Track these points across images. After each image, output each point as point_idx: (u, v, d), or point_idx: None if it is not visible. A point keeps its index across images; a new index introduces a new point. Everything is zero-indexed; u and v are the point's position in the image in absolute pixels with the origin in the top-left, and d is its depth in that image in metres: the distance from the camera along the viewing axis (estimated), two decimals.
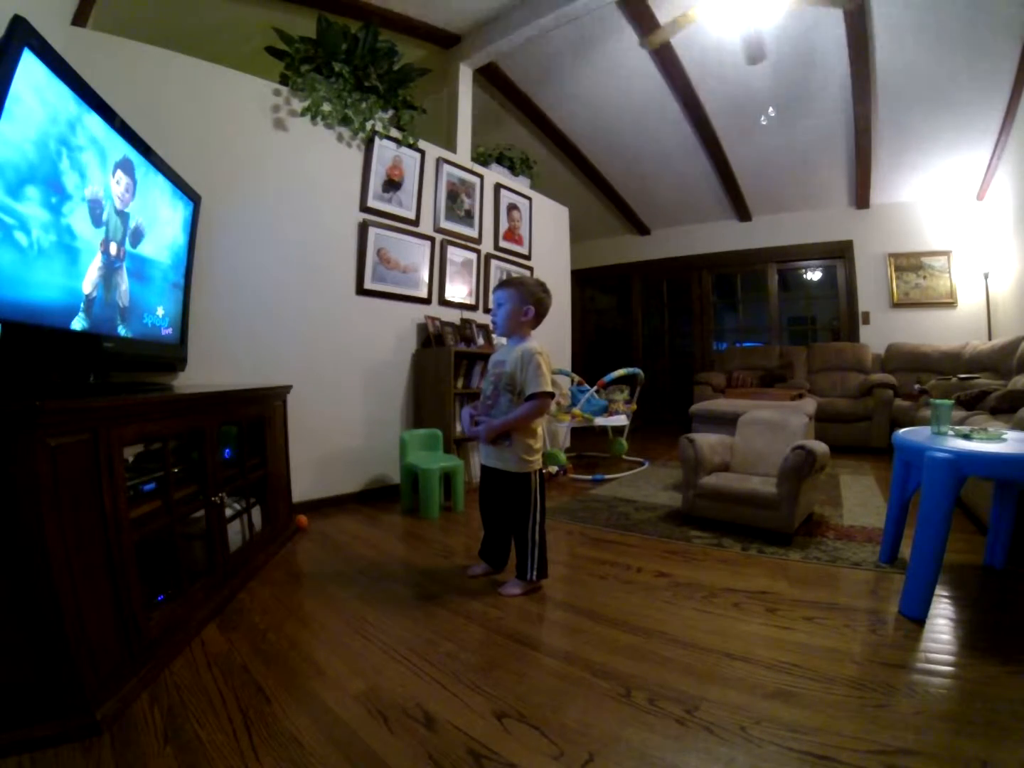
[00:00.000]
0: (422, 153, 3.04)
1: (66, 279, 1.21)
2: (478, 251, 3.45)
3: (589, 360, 6.55)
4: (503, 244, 3.66)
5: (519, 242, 3.81)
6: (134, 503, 1.17)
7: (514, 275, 3.15)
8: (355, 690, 1.08)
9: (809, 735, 0.91)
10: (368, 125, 2.71)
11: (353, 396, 2.73)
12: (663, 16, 3.21)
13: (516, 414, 1.52)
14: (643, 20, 3.23)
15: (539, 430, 1.60)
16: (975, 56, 3.15)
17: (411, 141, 2.92)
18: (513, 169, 3.80)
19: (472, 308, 3.38)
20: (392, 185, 2.89)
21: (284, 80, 2.48)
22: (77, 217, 1.24)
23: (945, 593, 1.48)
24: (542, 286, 1.63)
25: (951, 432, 1.51)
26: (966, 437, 1.43)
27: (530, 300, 1.58)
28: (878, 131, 3.96)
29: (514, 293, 1.58)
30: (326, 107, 2.55)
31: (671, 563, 1.78)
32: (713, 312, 6.02)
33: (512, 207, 3.75)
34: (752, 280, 5.77)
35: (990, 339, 3.99)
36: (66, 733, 0.91)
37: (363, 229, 2.74)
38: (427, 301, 3.09)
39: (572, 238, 4.51)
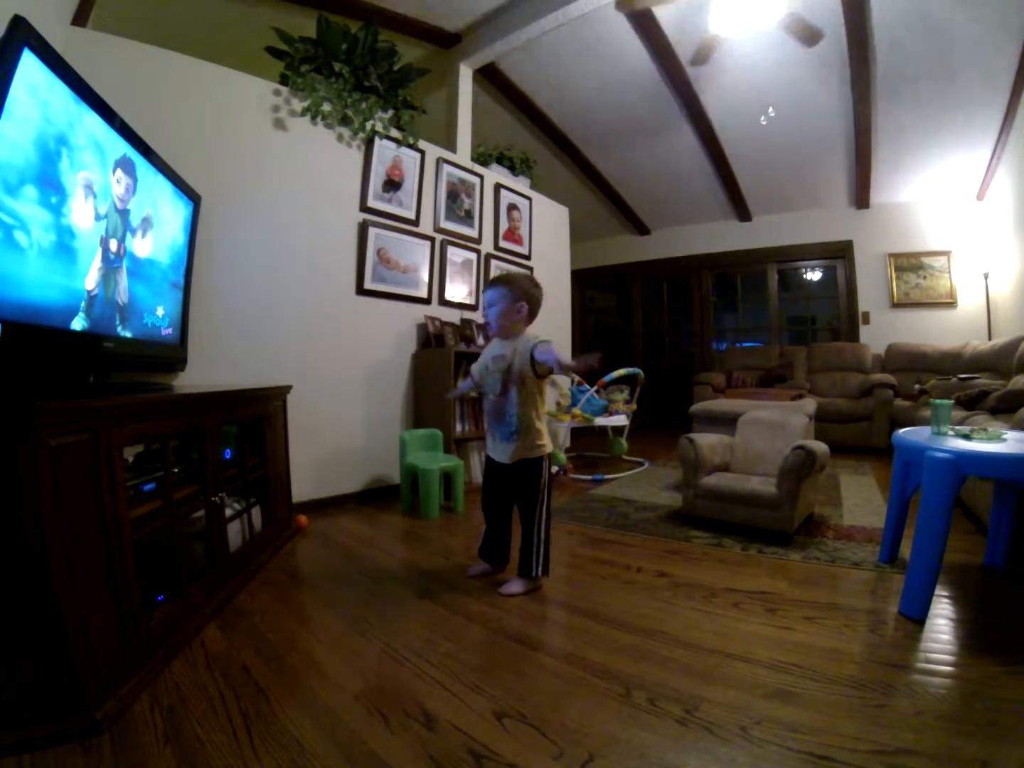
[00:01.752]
0: (422, 153, 3.04)
1: (66, 279, 1.21)
2: (478, 251, 3.45)
3: None
4: (503, 244, 3.66)
5: (519, 242, 3.81)
6: (134, 503, 1.17)
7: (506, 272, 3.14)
8: (355, 690, 1.08)
9: (809, 735, 0.91)
10: (368, 125, 2.71)
11: (353, 396, 2.73)
12: (664, 16, 3.22)
13: (559, 355, 1.40)
14: (644, 20, 3.23)
15: (542, 424, 1.58)
16: (975, 56, 3.15)
17: (411, 141, 2.92)
18: (513, 169, 3.80)
19: (472, 308, 3.38)
20: (392, 185, 2.89)
21: (284, 80, 2.48)
22: (77, 217, 1.24)
23: (945, 593, 1.48)
24: (532, 280, 1.60)
25: (951, 432, 1.51)
26: (966, 437, 1.43)
27: (523, 297, 1.53)
28: (878, 131, 3.96)
29: (506, 292, 1.53)
30: (326, 107, 2.55)
31: (671, 563, 1.78)
32: (713, 312, 6.01)
33: (512, 207, 3.75)
34: (752, 280, 5.76)
35: (990, 339, 3.98)
36: (66, 733, 0.91)
37: (363, 229, 2.74)
38: (427, 301, 3.10)
39: (572, 238, 4.50)
